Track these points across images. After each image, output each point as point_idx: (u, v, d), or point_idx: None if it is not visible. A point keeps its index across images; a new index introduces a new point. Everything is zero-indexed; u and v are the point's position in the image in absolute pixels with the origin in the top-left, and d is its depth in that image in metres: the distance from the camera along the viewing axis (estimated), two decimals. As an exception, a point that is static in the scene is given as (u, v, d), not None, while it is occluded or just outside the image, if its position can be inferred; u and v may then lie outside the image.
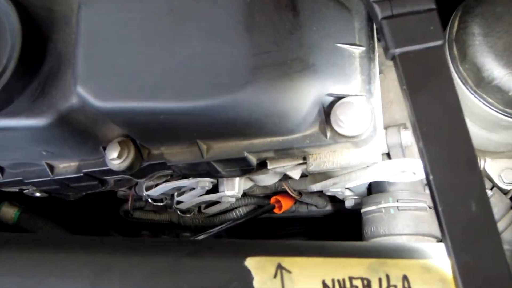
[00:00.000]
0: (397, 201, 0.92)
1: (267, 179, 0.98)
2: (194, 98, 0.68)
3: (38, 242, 0.76)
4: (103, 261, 0.65)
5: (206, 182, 0.96)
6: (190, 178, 0.95)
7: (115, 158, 0.78)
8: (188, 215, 1.23)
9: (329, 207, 1.22)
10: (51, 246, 0.73)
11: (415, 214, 0.91)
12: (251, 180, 1.01)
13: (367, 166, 0.79)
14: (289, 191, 1.09)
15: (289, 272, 0.57)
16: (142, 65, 0.70)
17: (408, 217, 0.90)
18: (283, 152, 0.76)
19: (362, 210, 0.97)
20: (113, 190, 1.18)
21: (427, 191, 1.01)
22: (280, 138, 0.75)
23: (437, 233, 0.93)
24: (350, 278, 0.57)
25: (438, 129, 0.59)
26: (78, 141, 0.80)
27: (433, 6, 0.62)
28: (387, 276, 0.57)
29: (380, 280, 0.57)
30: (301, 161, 0.79)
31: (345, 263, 0.58)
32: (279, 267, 0.57)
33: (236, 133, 0.75)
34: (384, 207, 0.93)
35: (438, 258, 0.61)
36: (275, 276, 0.56)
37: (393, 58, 0.64)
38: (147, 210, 1.24)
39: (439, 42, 0.61)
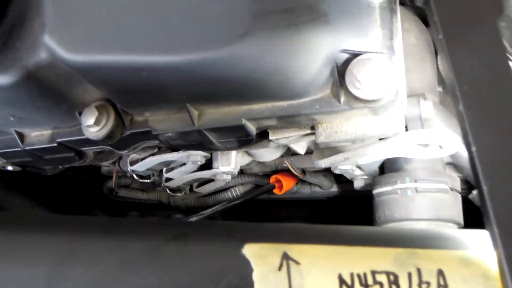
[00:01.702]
0: (415, 182, 0.81)
1: (268, 154, 0.87)
2: (183, 51, 0.58)
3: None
4: (69, 242, 0.54)
5: (198, 156, 0.84)
6: (180, 151, 0.83)
7: (92, 125, 0.70)
8: (179, 195, 1.12)
9: (334, 188, 1.12)
10: (15, 224, 0.63)
11: (436, 196, 0.80)
12: (249, 155, 0.90)
13: (385, 139, 0.68)
14: (291, 169, 0.98)
15: (297, 263, 0.46)
16: (122, 11, 0.61)
17: (427, 200, 0.80)
18: (288, 120, 0.66)
19: (375, 192, 0.86)
20: (96, 166, 1.07)
21: (448, 171, 0.91)
22: (284, 103, 0.64)
23: (460, 218, 0.82)
24: (373, 272, 0.46)
25: (482, 88, 0.49)
26: (49, 104, 0.72)
27: None
28: (419, 271, 0.46)
29: (409, 275, 0.46)
30: (309, 131, 0.67)
31: (366, 254, 0.47)
32: (285, 256, 0.46)
33: (233, 96, 0.65)
34: (400, 188, 0.82)
35: (479, 248, 0.49)
36: (279, 268, 0.45)
37: (426, 1, 0.53)
38: (134, 188, 1.13)
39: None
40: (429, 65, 0.82)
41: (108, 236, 0.54)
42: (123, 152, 0.78)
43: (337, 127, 0.65)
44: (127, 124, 0.72)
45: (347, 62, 0.60)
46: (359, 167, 0.89)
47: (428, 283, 0.46)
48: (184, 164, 0.91)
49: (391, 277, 0.46)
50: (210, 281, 0.45)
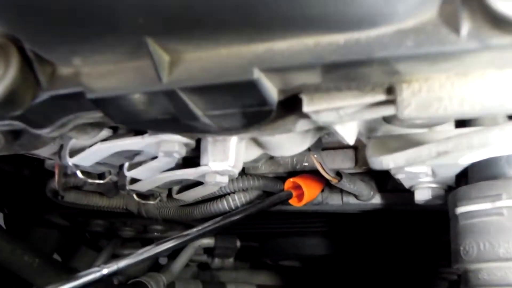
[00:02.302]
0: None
1: (289, 145, 0.56)
2: None
3: None
4: None
5: (174, 144, 0.53)
6: (145, 135, 0.51)
7: None
8: (152, 203, 0.80)
9: (376, 200, 0.80)
10: None
11: None
12: (259, 145, 0.57)
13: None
14: (321, 170, 0.66)
15: None
16: None
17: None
18: (345, 73, 0.35)
19: (459, 211, 0.54)
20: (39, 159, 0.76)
21: None
22: (340, 37, 0.34)
23: None
24: None
25: None
26: None
27: None
28: None
29: None
30: (383, 98, 0.35)
31: None
32: None
33: (235, 24, 0.36)
34: (507, 207, 0.50)
35: None
36: None
37: None
38: (88, 191, 0.82)
39: None
40: None
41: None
42: (43, 131, 0.47)
43: (444, 89, 0.34)
44: (42, 80, 0.43)
45: None
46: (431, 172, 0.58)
47: None
48: (155, 157, 0.59)
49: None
50: None
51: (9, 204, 1.09)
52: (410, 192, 0.73)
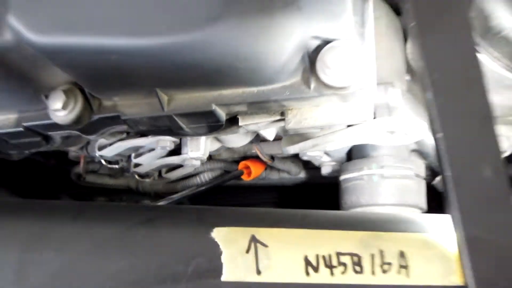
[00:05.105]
0: (381, 168, 0.82)
1: (237, 140, 0.88)
2: (153, 34, 0.58)
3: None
4: (38, 227, 0.53)
5: (167, 142, 0.84)
6: (149, 137, 0.83)
7: (60, 109, 0.69)
8: (148, 180, 1.11)
9: (302, 175, 1.13)
10: None
11: (401, 182, 0.82)
12: (219, 140, 0.90)
13: (353, 126, 0.69)
14: (260, 155, 0.99)
15: (265, 245, 0.46)
16: None
17: (393, 186, 0.82)
18: (258, 106, 0.67)
19: (341, 178, 0.88)
20: (63, 151, 1.06)
21: (413, 158, 0.93)
22: (255, 89, 0.65)
23: (424, 204, 0.84)
24: (338, 254, 0.47)
25: (450, 77, 0.50)
26: (14, 86, 0.71)
27: None
28: (381, 252, 0.48)
29: (372, 256, 0.48)
30: (278, 118, 0.68)
31: (332, 236, 0.48)
32: (253, 239, 0.46)
33: (203, 81, 0.65)
34: (366, 174, 0.84)
35: (439, 231, 0.51)
36: (248, 251, 0.46)
37: None
38: (102, 174, 1.12)
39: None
40: (398, 54, 0.83)
41: (78, 220, 0.53)
42: (91, 137, 0.77)
43: (306, 113, 0.66)
44: (95, 109, 0.71)
45: (318, 49, 0.61)
46: (327, 153, 0.91)
47: (390, 264, 0.48)
48: (153, 149, 0.91)
49: (355, 259, 0.47)
50: (180, 264, 0.46)
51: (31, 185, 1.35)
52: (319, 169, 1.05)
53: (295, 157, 1.08)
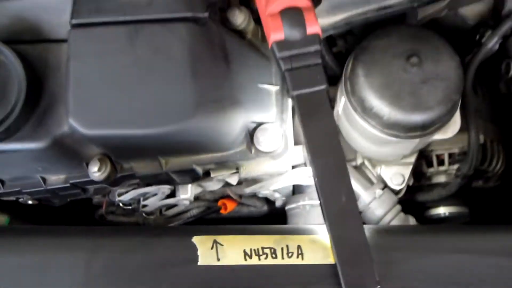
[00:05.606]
0: (311, 200, 1.20)
1: (213, 185, 1.19)
2: (156, 126, 0.82)
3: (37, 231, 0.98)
4: (95, 240, 0.90)
5: (166, 189, 1.13)
6: (153, 186, 1.11)
7: (96, 171, 0.93)
8: (151, 217, 1.44)
9: (265, 208, 1.40)
10: (48, 233, 0.95)
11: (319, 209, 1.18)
12: (201, 186, 1.26)
13: (283, 173, 1.08)
14: (231, 195, 1.36)
15: (221, 245, 0.84)
16: (117, 102, 0.82)
17: (319, 212, 1.18)
18: (222, 164, 0.97)
19: (286, 208, 1.19)
20: (88, 198, 1.41)
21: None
22: (219, 154, 0.95)
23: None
24: (262, 248, 0.84)
25: (320, 147, 0.87)
26: (67, 159, 0.94)
27: (319, 61, 0.87)
28: (287, 246, 0.86)
29: (282, 249, 0.85)
30: (235, 171, 1.06)
31: (259, 238, 0.86)
32: (215, 242, 0.84)
33: (186, 151, 0.92)
34: (302, 205, 1.17)
35: (322, 234, 0.89)
36: (211, 248, 0.84)
37: (292, 97, 0.91)
38: (118, 214, 1.45)
39: (323, 87, 0.86)
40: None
41: (117, 237, 0.90)
42: (114, 188, 1.14)
43: (252, 168, 1.05)
44: (118, 170, 0.95)
45: (255, 129, 0.91)
46: (276, 191, 1.29)
47: (292, 253, 0.85)
48: (156, 194, 1.17)
49: (272, 250, 0.84)
50: (172, 256, 0.83)
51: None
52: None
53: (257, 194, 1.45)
